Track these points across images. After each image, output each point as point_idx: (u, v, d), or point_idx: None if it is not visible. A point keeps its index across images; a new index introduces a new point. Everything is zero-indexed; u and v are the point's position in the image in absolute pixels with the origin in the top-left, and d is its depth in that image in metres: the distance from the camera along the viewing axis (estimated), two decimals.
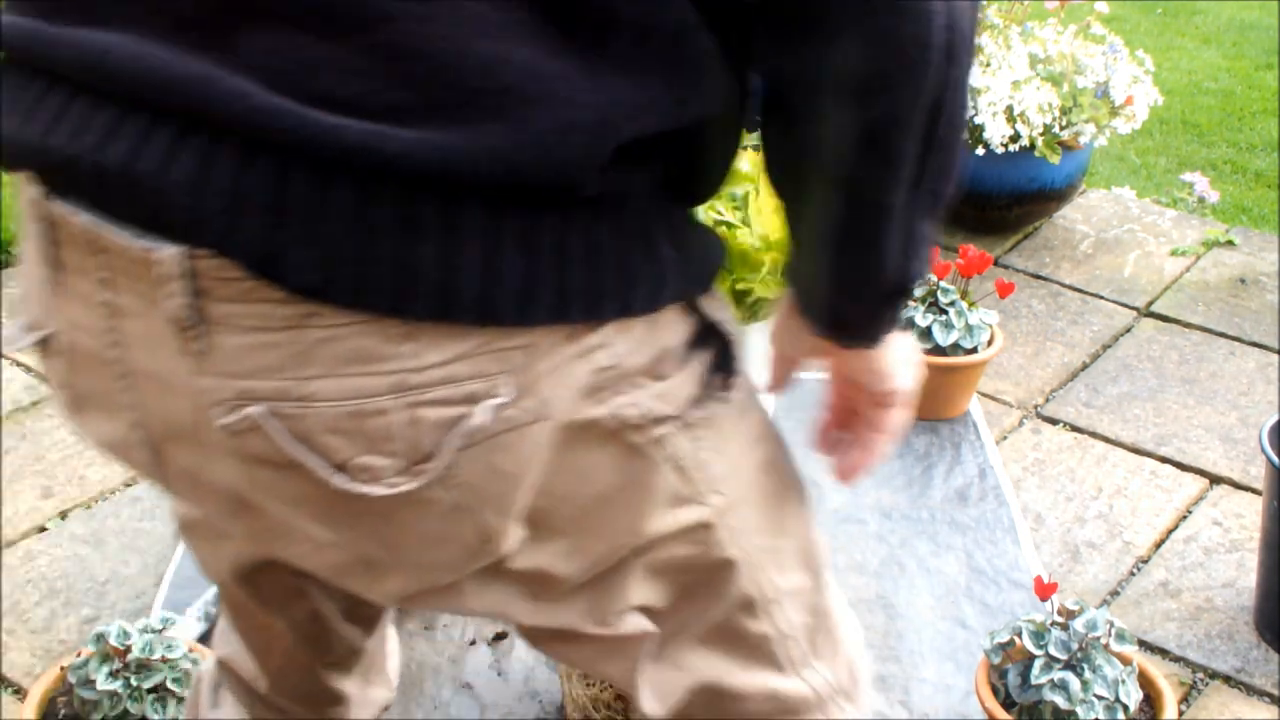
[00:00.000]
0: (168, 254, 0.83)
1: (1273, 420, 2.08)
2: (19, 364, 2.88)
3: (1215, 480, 2.54)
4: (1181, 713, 2.04)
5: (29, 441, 2.64)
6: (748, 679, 1.11)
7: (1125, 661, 1.86)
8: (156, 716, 1.84)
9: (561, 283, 0.85)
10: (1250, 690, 2.10)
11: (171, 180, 0.81)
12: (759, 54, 0.89)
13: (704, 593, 1.07)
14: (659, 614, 1.07)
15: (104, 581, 2.30)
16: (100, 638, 1.87)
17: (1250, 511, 2.42)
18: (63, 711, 1.87)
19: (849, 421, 1.14)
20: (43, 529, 2.43)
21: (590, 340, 0.89)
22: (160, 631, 1.90)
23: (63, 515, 2.46)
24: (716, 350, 1.00)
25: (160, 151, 0.81)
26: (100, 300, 0.90)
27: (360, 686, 1.37)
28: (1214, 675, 2.12)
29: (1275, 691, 2.09)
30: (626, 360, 0.92)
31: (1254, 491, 2.46)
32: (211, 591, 2.19)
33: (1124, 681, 1.81)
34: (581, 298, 0.86)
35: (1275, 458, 2.01)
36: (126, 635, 1.86)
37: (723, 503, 1.03)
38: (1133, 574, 2.32)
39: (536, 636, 1.12)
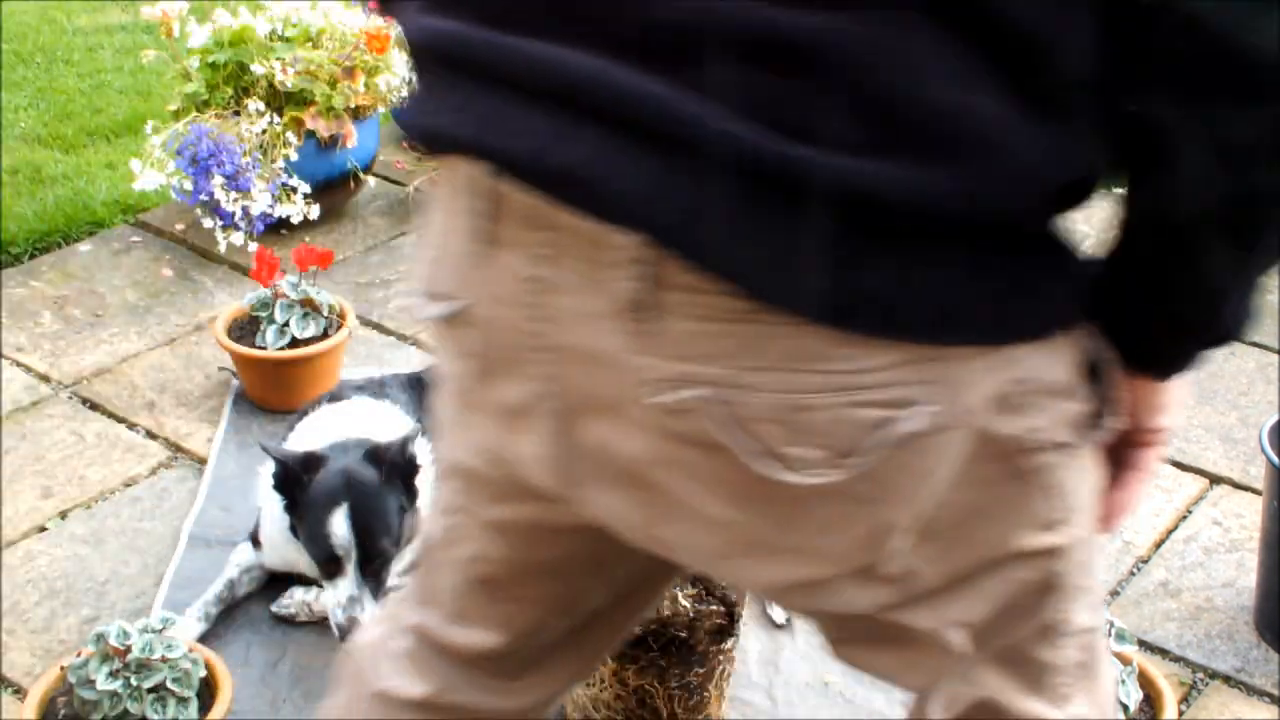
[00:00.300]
0: (628, 240, 0.90)
1: (1273, 420, 2.08)
2: (19, 364, 2.88)
3: (1215, 480, 2.54)
4: (1181, 713, 2.04)
5: (29, 441, 2.64)
6: (1025, 705, 1.14)
7: (1125, 661, 1.86)
8: (156, 716, 1.84)
9: (987, 308, 0.93)
10: (1250, 690, 2.10)
11: (628, 187, 0.89)
12: (1156, 101, 0.91)
13: (1020, 614, 1.09)
14: (976, 629, 1.09)
15: (104, 581, 2.30)
16: (100, 638, 1.87)
17: (1250, 511, 2.42)
18: (63, 711, 1.88)
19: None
20: (43, 529, 2.42)
21: (1005, 356, 0.95)
22: (160, 631, 1.91)
23: (63, 515, 2.46)
24: (1099, 380, 1.04)
25: (615, 159, 0.89)
26: (531, 275, 0.97)
27: (563, 682, 1.37)
28: (1214, 675, 2.12)
29: (1275, 691, 2.09)
30: (1034, 377, 0.97)
31: (1254, 491, 2.46)
32: (212, 591, 2.20)
33: (1124, 681, 1.81)
34: (1002, 321, 0.94)
35: (1275, 458, 2.01)
36: (126, 635, 1.87)
37: (1076, 535, 1.07)
38: (1133, 574, 2.32)
39: (856, 634, 1.13)
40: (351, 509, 2.02)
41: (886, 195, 0.86)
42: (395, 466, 2.08)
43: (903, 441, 0.93)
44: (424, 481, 2.16)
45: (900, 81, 0.86)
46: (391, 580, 2.13)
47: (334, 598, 2.04)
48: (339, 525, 2.01)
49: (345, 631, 2.02)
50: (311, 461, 2.06)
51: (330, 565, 2.04)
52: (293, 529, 2.11)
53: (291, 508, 2.09)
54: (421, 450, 2.18)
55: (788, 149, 0.86)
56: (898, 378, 0.91)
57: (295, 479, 2.06)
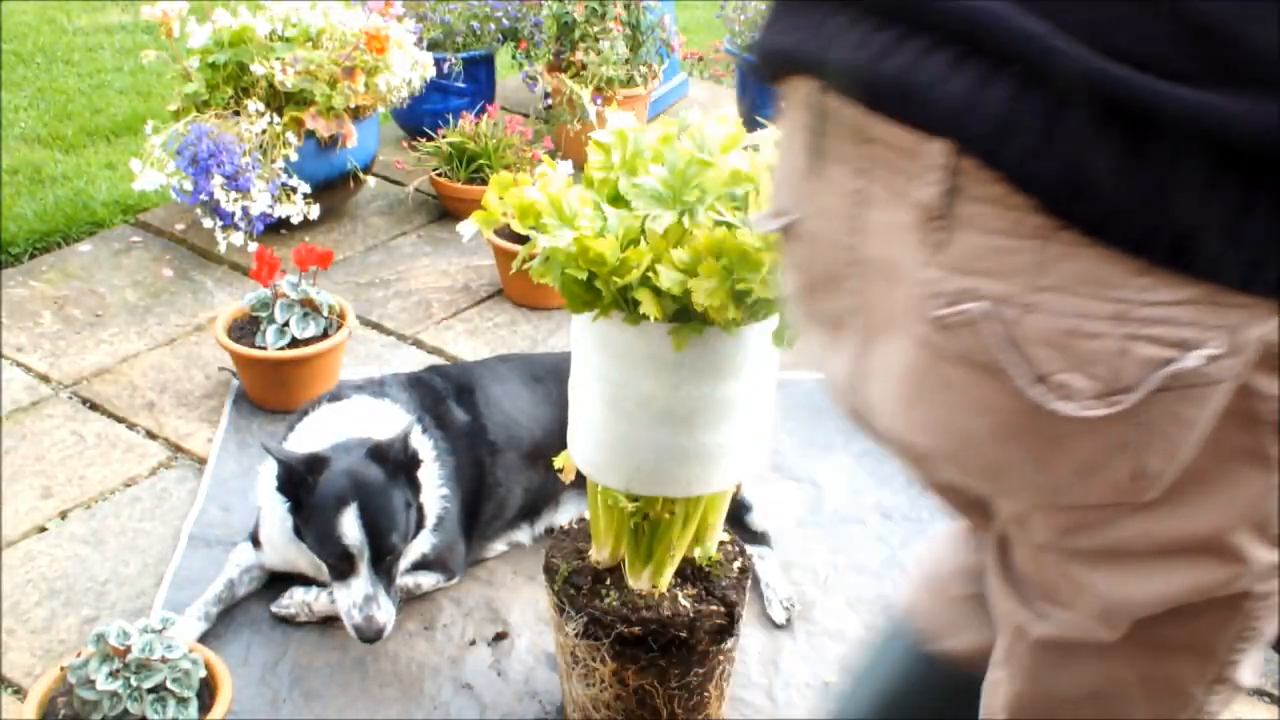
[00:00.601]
0: (936, 146, 0.91)
1: None
2: (19, 364, 2.88)
3: None
4: None
5: (29, 441, 2.64)
6: None
7: None
8: (156, 716, 1.84)
9: None
10: (1250, 690, 2.10)
11: (942, 95, 0.90)
12: None
13: (1187, 623, 1.06)
14: (1139, 619, 1.06)
15: (104, 581, 2.30)
16: (100, 638, 1.87)
17: None
18: (63, 711, 1.88)
19: None
20: (43, 529, 2.43)
21: None
22: (160, 631, 1.91)
23: (63, 515, 2.46)
24: None
25: (937, 69, 0.90)
26: (852, 188, 0.99)
27: None
28: None
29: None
30: None
31: None
32: (212, 591, 2.20)
33: None
34: None
35: None
36: (126, 635, 1.87)
37: None
38: None
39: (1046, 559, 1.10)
40: (360, 508, 2.02)
41: (1205, 126, 0.85)
42: (399, 463, 2.08)
43: (1174, 384, 0.90)
44: (425, 475, 2.16)
45: (1241, 19, 0.84)
46: (400, 577, 2.14)
47: (349, 598, 2.04)
48: (349, 525, 2.01)
49: (363, 631, 2.02)
50: (315, 463, 2.06)
51: (342, 565, 2.04)
52: (296, 530, 2.11)
53: (297, 509, 2.09)
54: (420, 444, 2.18)
55: (1110, 70, 0.85)
56: (1189, 317, 0.89)
57: (300, 480, 2.06)
